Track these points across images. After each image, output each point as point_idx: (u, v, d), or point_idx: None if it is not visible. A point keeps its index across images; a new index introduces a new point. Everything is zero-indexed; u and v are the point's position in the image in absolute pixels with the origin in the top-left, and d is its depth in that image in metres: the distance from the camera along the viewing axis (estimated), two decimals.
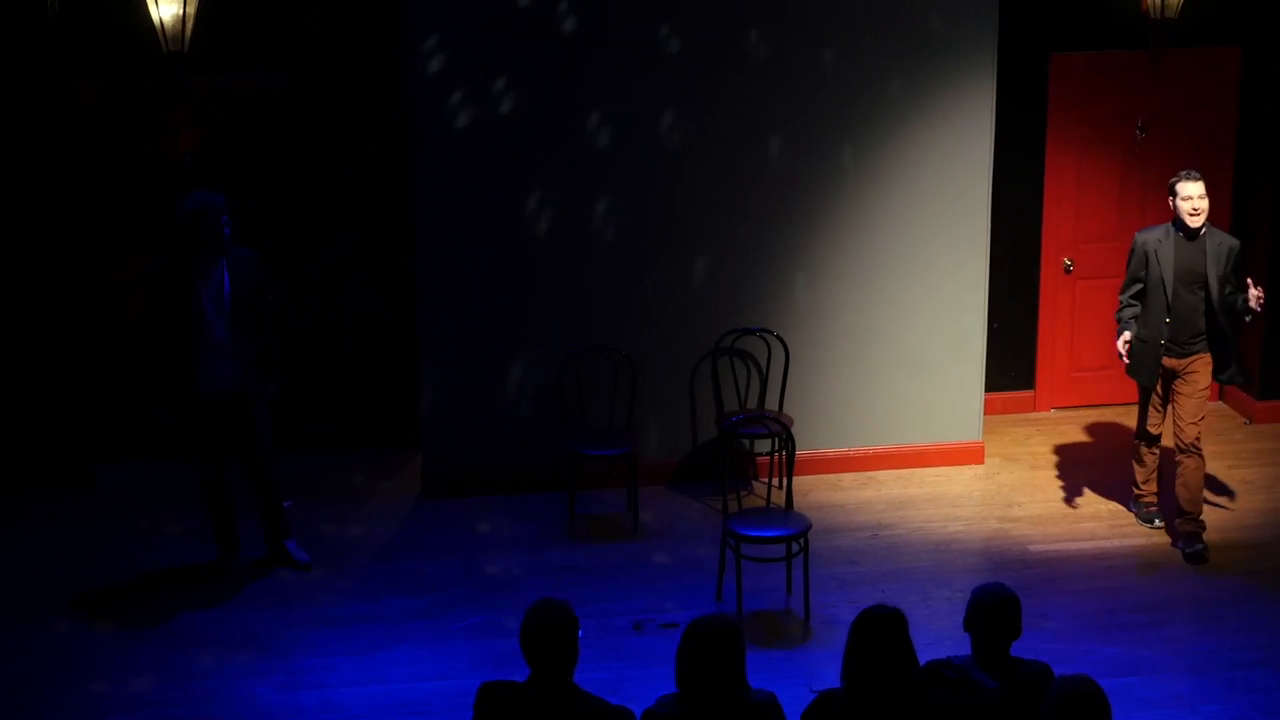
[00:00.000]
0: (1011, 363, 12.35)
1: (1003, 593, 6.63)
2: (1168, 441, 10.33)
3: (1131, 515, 10.67)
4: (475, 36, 10.44)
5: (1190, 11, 11.04)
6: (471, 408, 10.95)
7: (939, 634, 9.11)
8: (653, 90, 10.67)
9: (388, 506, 10.93)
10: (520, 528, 10.60)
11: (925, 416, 11.43)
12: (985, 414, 11.69)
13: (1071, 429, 12.20)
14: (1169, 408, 10.14)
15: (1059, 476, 11.38)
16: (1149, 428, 10.27)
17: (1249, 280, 9.81)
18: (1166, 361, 9.94)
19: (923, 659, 6.76)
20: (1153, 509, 10.52)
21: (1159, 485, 10.50)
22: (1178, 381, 9.99)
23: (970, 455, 11.54)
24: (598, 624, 9.19)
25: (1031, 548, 10.34)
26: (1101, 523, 10.66)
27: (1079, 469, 11.48)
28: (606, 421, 10.97)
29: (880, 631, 6.28)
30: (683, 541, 10.40)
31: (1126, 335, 9.98)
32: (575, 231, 10.79)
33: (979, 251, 11.21)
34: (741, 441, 11.14)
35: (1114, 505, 10.88)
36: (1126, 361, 10.05)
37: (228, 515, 9.86)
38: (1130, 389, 12.33)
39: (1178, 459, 10.07)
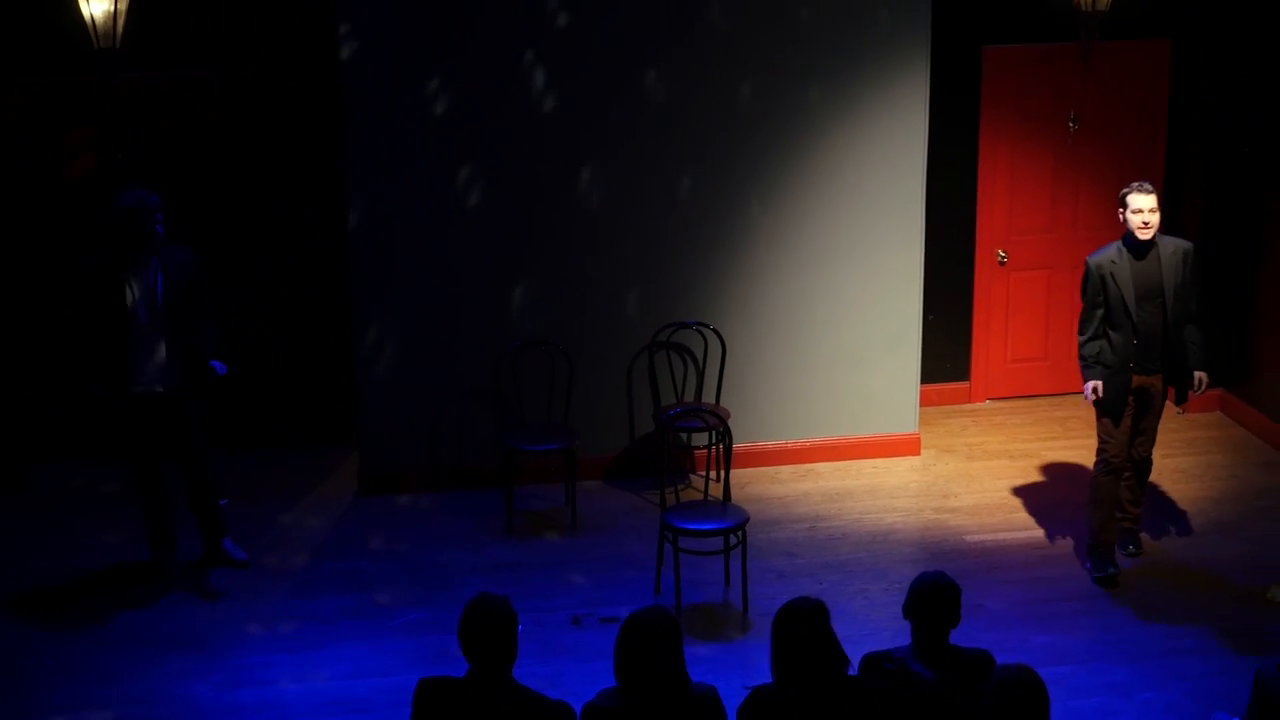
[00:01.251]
0: (947, 354, 12.41)
1: (942, 581, 6.67)
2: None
3: (1066, 506, 10.73)
4: (407, 30, 10.41)
5: (1120, 5, 11.10)
6: (408, 405, 10.93)
7: (876, 625, 9.17)
8: (591, 86, 10.67)
9: (325, 504, 10.90)
10: (458, 524, 10.58)
11: (862, 409, 11.48)
12: (921, 406, 11.75)
13: (1007, 420, 12.26)
14: (1130, 424, 9.71)
15: (994, 467, 11.44)
16: (1112, 459, 9.67)
17: (1198, 375, 9.62)
18: (1136, 380, 9.56)
19: (861, 649, 6.80)
20: (1110, 554, 9.82)
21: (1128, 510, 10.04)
22: (1144, 398, 9.66)
23: (907, 447, 11.59)
24: (536, 619, 9.19)
25: (968, 538, 10.39)
26: (1036, 512, 10.72)
27: (1014, 459, 11.55)
28: (544, 417, 10.96)
29: (802, 624, 6.30)
30: (621, 535, 10.41)
31: (1094, 384, 9.55)
32: (511, 227, 10.78)
33: (913, 244, 11.26)
34: (679, 435, 11.16)
35: (1049, 496, 10.94)
36: (1098, 399, 9.59)
37: (163, 515, 9.81)
38: (1063, 379, 12.45)
39: (1133, 473, 9.87)
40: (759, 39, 10.78)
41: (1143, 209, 9.42)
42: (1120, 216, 9.54)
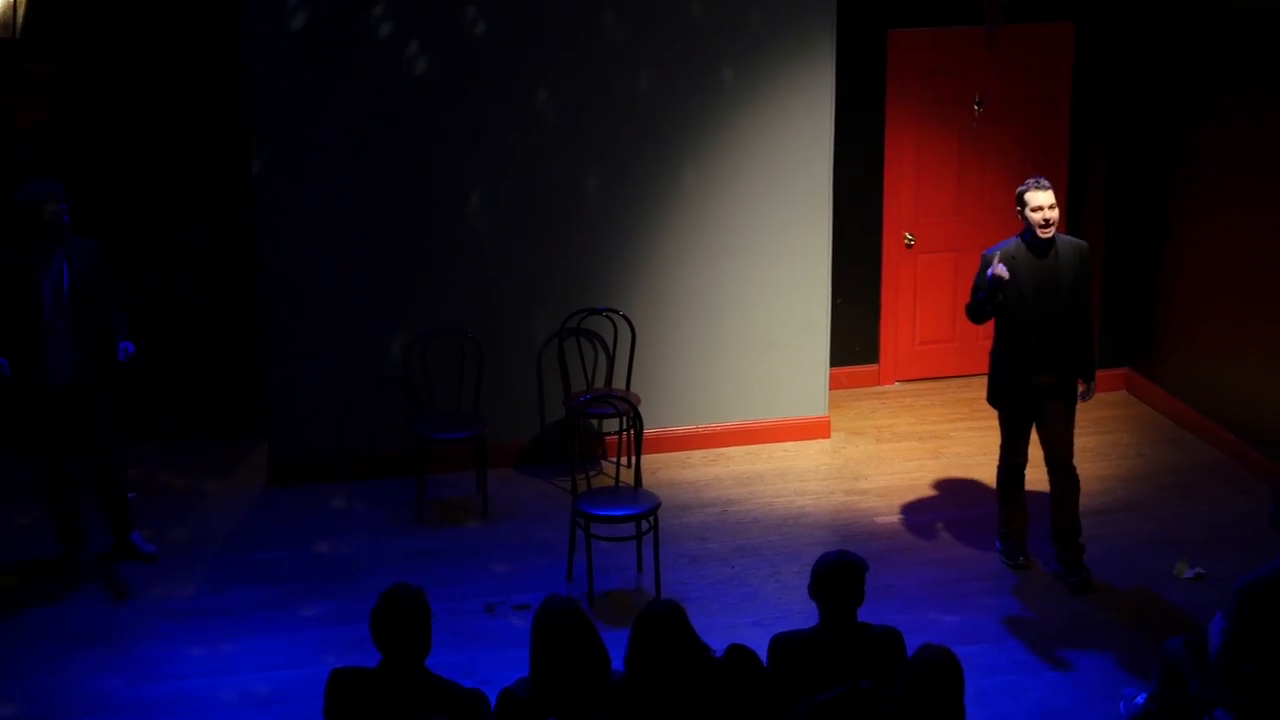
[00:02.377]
0: (856, 337, 12.46)
1: (844, 559, 6.73)
2: (1033, 468, 9.75)
3: (977, 487, 10.83)
4: (313, 18, 10.35)
5: None
6: (317, 395, 10.88)
7: (789, 607, 9.21)
8: (498, 72, 10.64)
9: (234, 496, 10.83)
10: (369, 514, 10.55)
11: (772, 392, 11.51)
12: (831, 389, 11.79)
13: (916, 401, 12.33)
14: (1038, 430, 9.50)
15: (904, 449, 11.50)
16: (1018, 460, 9.57)
17: (1079, 385, 9.47)
18: (1036, 379, 9.31)
19: (773, 631, 6.84)
20: (1021, 545, 9.80)
21: (1028, 514, 9.85)
22: (1047, 401, 9.37)
23: (817, 430, 11.63)
24: (449, 607, 9.17)
25: (878, 519, 10.45)
26: (946, 493, 10.79)
27: (924, 441, 11.62)
28: (454, 405, 10.94)
29: (660, 627, 6.33)
30: (533, 523, 10.40)
31: (999, 270, 9.09)
32: (419, 215, 10.75)
33: (821, 228, 11.30)
34: (590, 421, 11.16)
35: (959, 476, 11.02)
36: (1002, 275, 9.09)
37: (72, 508, 9.72)
38: (971, 360, 12.54)
39: (1054, 481, 9.53)
40: (665, 24, 10.78)
41: (1042, 206, 9.12)
42: (1019, 215, 9.21)
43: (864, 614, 6.86)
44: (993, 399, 9.60)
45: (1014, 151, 12.36)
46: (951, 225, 12.43)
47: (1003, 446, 9.63)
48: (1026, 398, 9.39)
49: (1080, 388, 9.53)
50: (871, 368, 12.59)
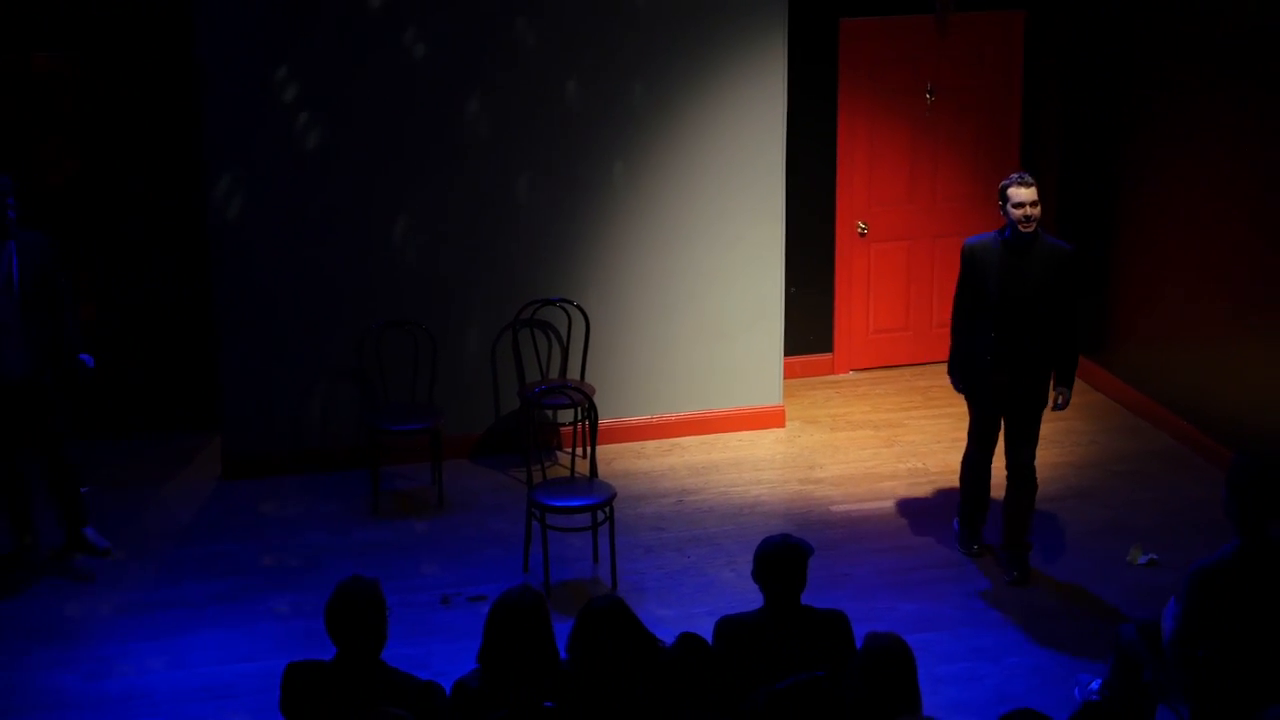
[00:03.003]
0: (810, 327, 12.49)
1: (786, 543, 6.75)
2: (998, 464, 9.61)
3: (932, 475, 10.86)
4: (264, 13, 10.31)
5: None
6: (271, 387, 10.85)
7: (744, 596, 9.19)
8: (450, 61, 10.61)
9: (188, 490, 10.79)
10: (324, 506, 10.52)
11: (726, 382, 11.53)
12: (785, 378, 11.81)
13: (870, 390, 12.36)
14: (1004, 428, 9.42)
15: (859, 437, 11.53)
16: (982, 449, 9.50)
17: (1056, 392, 9.33)
18: (1003, 377, 9.19)
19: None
20: (977, 533, 9.82)
21: (988, 504, 9.79)
22: (1014, 400, 9.28)
23: (771, 419, 11.65)
24: (404, 599, 9.16)
25: (833, 508, 10.47)
26: (901, 481, 10.82)
27: (878, 429, 11.65)
28: (408, 397, 10.92)
29: (602, 623, 6.33)
30: (488, 514, 10.39)
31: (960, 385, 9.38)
32: (373, 208, 10.72)
33: (775, 217, 11.31)
34: (544, 412, 11.16)
35: (913, 464, 11.06)
36: (960, 385, 9.40)
37: (23, 503, 9.68)
38: (925, 349, 12.58)
39: (1010, 479, 9.46)
40: (620, 12, 10.77)
41: (1024, 202, 8.95)
42: (1001, 210, 9.07)
43: (820, 602, 6.88)
44: (964, 387, 9.47)
45: (966, 140, 12.40)
46: (905, 214, 12.46)
47: (969, 433, 9.57)
48: (994, 392, 9.28)
49: (1052, 395, 9.34)
50: (826, 357, 12.61)
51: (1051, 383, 9.35)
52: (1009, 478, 9.46)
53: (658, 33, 10.86)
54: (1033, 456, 9.40)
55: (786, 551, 6.72)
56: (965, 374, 9.40)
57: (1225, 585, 7.09)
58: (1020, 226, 8.98)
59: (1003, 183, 9.10)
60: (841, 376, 12.63)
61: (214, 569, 9.71)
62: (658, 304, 11.27)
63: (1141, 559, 9.72)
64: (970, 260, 9.20)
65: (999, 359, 9.16)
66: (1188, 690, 7.17)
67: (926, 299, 12.56)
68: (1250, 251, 10.59)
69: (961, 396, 9.62)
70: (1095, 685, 8.05)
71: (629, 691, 6.24)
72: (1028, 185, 8.99)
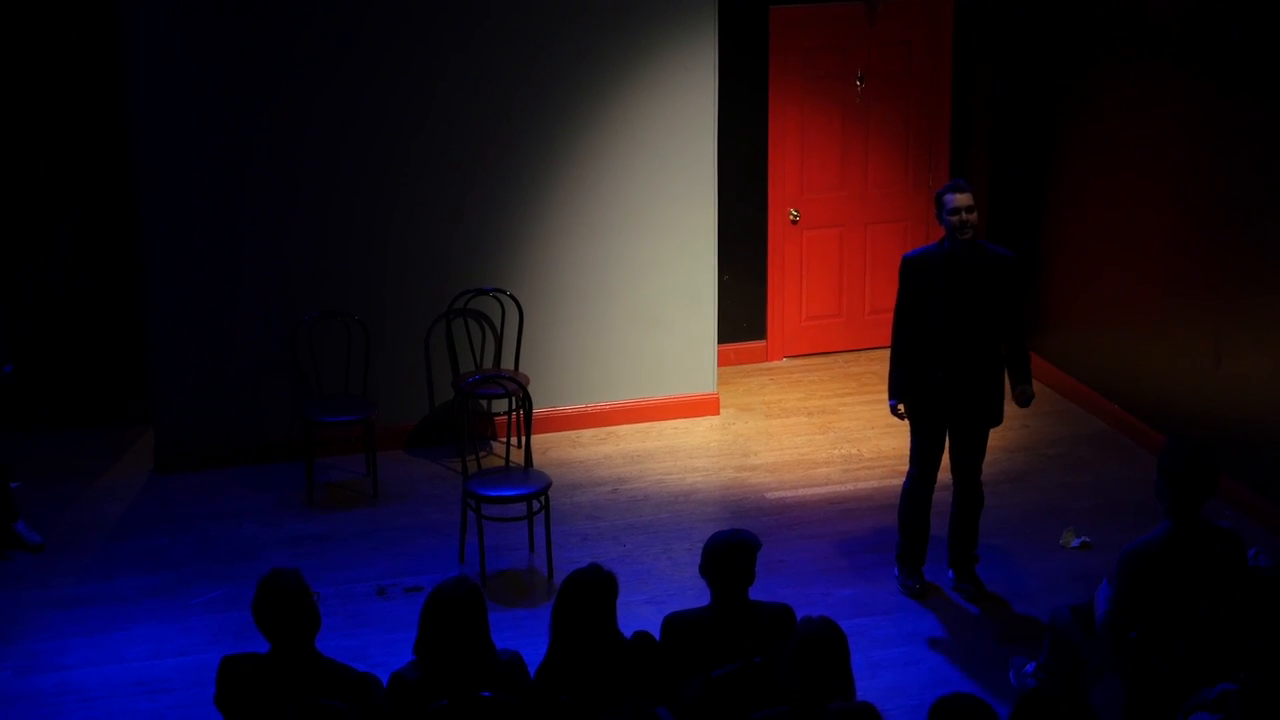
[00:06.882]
0: (743, 314, 12.50)
1: (735, 538, 6.76)
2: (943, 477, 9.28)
3: (865, 461, 10.90)
4: (195, 13, 10.25)
5: None
6: (203, 379, 10.79)
7: (680, 584, 9.24)
8: (379, 52, 10.58)
9: (120, 483, 10.72)
10: (258, 499, 10.48)
11: (660, 370, 11.53)
12: (719, 365, 11.82)
13: (804, 377, 12.39)
14: (950, 441, 9.09)
15: (793, 424, 11.56)
16: (925, 480, 9.10)
17: (1021, 389, 9.04)
18: (953, 395, 8.87)
19: (666, 609, 6.88)
20: (917, 570, 9.31)
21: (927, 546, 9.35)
22: (964, 416, 8.98)
23: (706, 407, 11.67)
24: (341, 591, 9.15)
25: (768, 495, 10.50)
26: (835, 468, 10.86)
27: (812, 416, 11.68)
28: (342, 387, 10.88)
29: (588, 593, 6.35)
30: (423, 504, 10.38)
31: (900, 408, 8.97)
32: (304, 198, 10.67)
33: (707, 205, 11.32)
34: (479, 402, 11.14)
35: (847, 450, 11.09)
36: (906, 419, 9.04)
37: None
38: (858, 335, 12.62)
39: (956, 491, 9.17)
40: (548, 3, 10.75)
41: (960, 208, 8.70)
42: (938, 219, 8.87)
43: (756, 590, 6.90)
44: (916, 418, 9.05)
45: (897, 126, 12.44)
46: (836, 200, 12.49)
47: (912, 457, 9.14)
48: (938, 409, 8.96)
49: (1014, 394, 9.06)
50: (759, 344, 12.63)
51: (1008, 382, 9.07)
52: (956, 491, 9.16)
53: (589, 22, 10.85)
54: (980, 468, 9.16)
55: (736, 548, 6.72)
56: (909, 391, 9.00)
57: (1157, 567, 7.15)
58: (958, 233, 8.74)
59: (938, 191, 8.89)
60: (775, 364, 12.66)
61: (147, 563, 9.65)
62: (591, 293, 11.27)
63: (1074, 542, 9.78)
64: (910, 274, 8.89)
65: (948, 371, 8.86)
66: (1122, 671, 7.23)
67: (859, 286, 12.60)
68: (1179, 235, 10.66)
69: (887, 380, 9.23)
70: (1030, 668, 8.11)
71: (597, 674, 6.27)
72: (963, 191, 8.76)
